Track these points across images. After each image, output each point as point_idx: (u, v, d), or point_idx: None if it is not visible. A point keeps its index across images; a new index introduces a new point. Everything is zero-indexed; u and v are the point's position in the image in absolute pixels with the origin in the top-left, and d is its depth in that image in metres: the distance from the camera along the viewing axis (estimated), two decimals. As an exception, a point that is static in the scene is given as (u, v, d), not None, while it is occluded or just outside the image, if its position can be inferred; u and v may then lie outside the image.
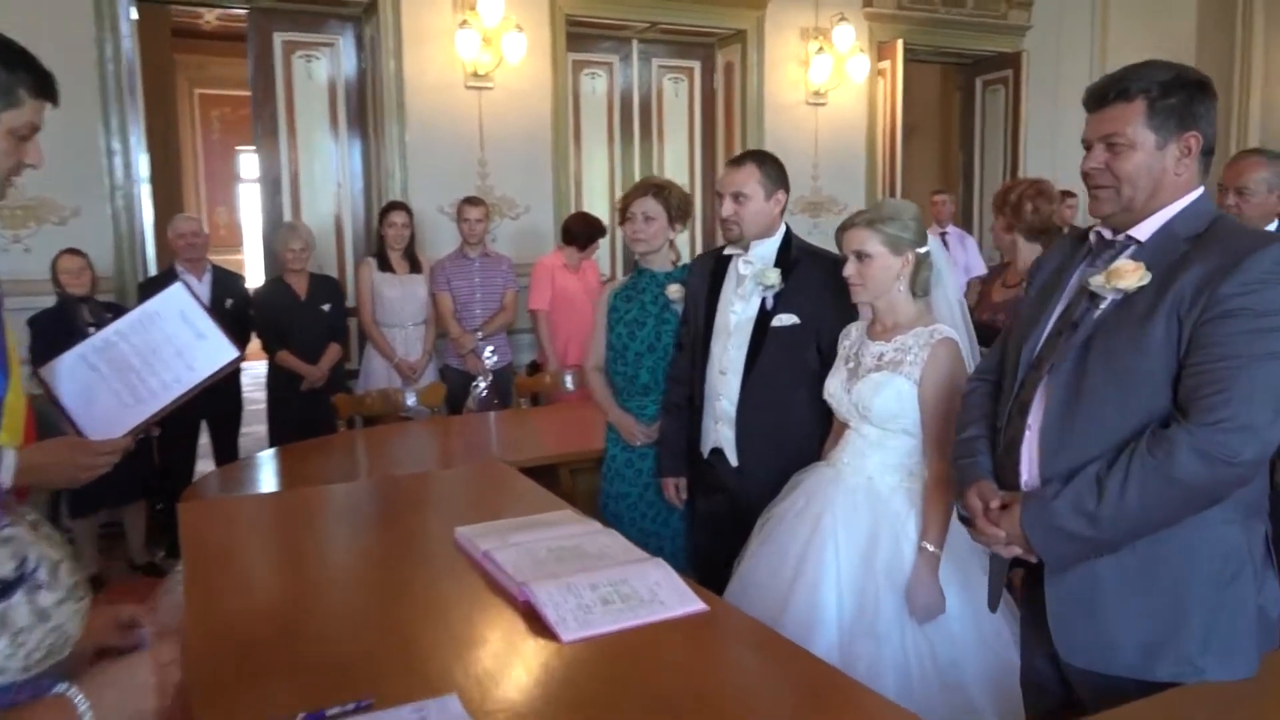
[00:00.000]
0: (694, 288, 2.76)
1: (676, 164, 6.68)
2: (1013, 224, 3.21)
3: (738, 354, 2.58)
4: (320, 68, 5.78)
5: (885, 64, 6.84)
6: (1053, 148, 7.68)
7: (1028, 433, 1.67)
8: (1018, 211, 3.16)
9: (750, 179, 2.53)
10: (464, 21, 5.54)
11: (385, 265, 4.98)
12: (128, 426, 1.66)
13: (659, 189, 2.91)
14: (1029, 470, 1.66)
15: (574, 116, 6.26)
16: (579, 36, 6.16)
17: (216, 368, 1.74)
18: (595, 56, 6.38)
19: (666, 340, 2.90)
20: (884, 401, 2.22)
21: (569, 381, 4.64)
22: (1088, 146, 1.68)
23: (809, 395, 2.52)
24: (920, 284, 2.30)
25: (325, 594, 2.02)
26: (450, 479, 3.01)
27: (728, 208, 2.55)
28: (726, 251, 2.67)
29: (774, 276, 2.54)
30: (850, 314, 2.50)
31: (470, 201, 5.12)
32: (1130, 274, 1.57)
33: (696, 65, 6.70)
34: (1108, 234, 1.70)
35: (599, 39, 6.35)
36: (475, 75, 5.68)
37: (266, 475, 3.32)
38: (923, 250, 2.28)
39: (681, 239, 3.20)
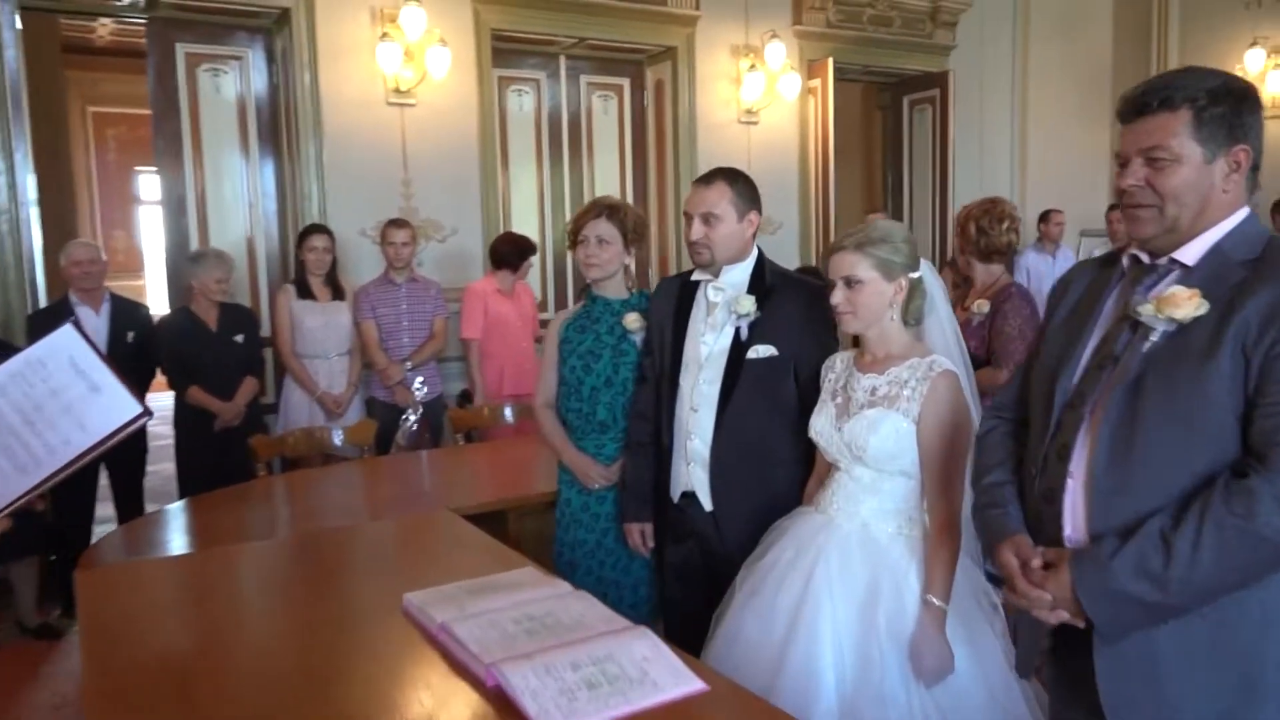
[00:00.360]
0: (658, 316, 2.58)
1: (607, 184, 6.49)
2: (975, 244, 3.10)
3: (710, 389, 2.40)
4: (228, 82, 5.42)
5: (816, 82, 6.79)
6: (979, 167, 7.77)
7: (1070, 481, 1.49)
8: (964, 232, 3.06)
9: (721, 199, 2.37)
10: (385, 34, 5.25)
11: (305, 292, 4.65)
12: (4, 500, 1.36)
13: (613, 210, 2.73)
14: (1074, 524, 1.49)
15: (501, 135, 6.02)
16: (505, 52, 5.93)
17: (114, 427, 1.46)
18: (522, 73, 6.16)
19: (625, 373, 2.71)
20: (880, 441, 2.06)
21: (509, 414, 4.36)
22: (1123, 162, 1.52)
23: (788, 433, 2.37)
24: (913, 312, 2.16)
25: (246, 678, 1.73)
26: (389, 531, 2.72)
27: (697, 230, 2.37)
28: (695, 277, 2.50)
29: (749, 304, 2.37)
30: (831, 344, 2.38)
31: (395, 224, 4.85)
32: (1186, 302, 1.41)
33: (626, 83, 6.53)
34: (1144, 257, 1.54)
35: (525, 55, 6.13)
36: (397, 91, 5.39)
37: (175, 532, 2.97)
38: (915, 275, 2.13)
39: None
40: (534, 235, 5.63)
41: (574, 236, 2.75)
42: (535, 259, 5.29)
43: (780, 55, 6.42)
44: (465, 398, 5.27)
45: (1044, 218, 6.95)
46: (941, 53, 7.46)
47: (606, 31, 6.05)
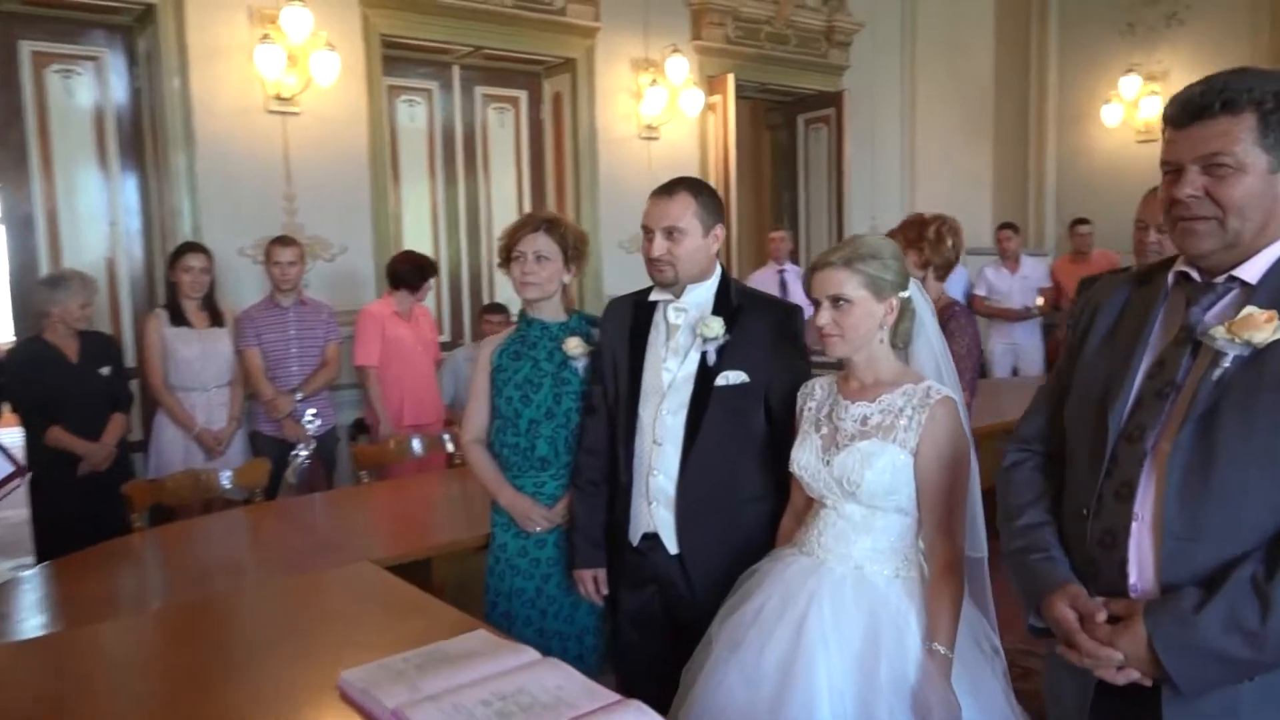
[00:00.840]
0: (609, 341, 2.40)
1: (504, 200, 6.25)
2: (930, 260, 3.01)
3: (674, 420, 2.23)
4: (82, 86, 4.90)
5: (716, 98, 6.72)
6: (872, 185, 7.87)
7: (1135, 524, 1.35)
8: (938, 247, 2.96)
9: (686, 211, 2.20)
10: (265, 36, 4.86)
11: (179, 318, 4.21)
12: None
13: (551, 224, 2.54)
14: (1140, 571, 1.35)
15: (392, 148, 5.69)
16: (395, 60, 5.60)
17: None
18: (413, 82, 5.85)
19: (568, 404, 2.52)
20: (876, 475, 1.91)
21: (417, 447, 4.03)
22: (1174, 169, 1.39)
23: (758, 466, 2.24)
24: (901, 334, 2.03)
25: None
26: (303, 591, 2.38)
27: (659, 246, 2.20)
28: (653, 297, 2.33)
29: (716, 327, 2.20)
30: (803, 369, 2.25)
31: (281, 242, 4.47)
32: (1264, 325, 1.28)
33: (523, 95, 6.30)
34: (1194, 274, 1.42)
35: (417, 63, 5.82)
36: (279, 99, 4.99)
37: (28, 609, 2.52)
38: (905, 295, 1.99)
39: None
40: (428, 253, 5.31)
41: (507, 253, 2.55)
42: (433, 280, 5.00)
43: (682, 70, 6.32)
44: (360, 429, 4.92)
45: (998, 233, 7.07)
46: (836, 72, 7.52)
47: (503, 41, 5.81)
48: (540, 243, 2.50)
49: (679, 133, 6.58)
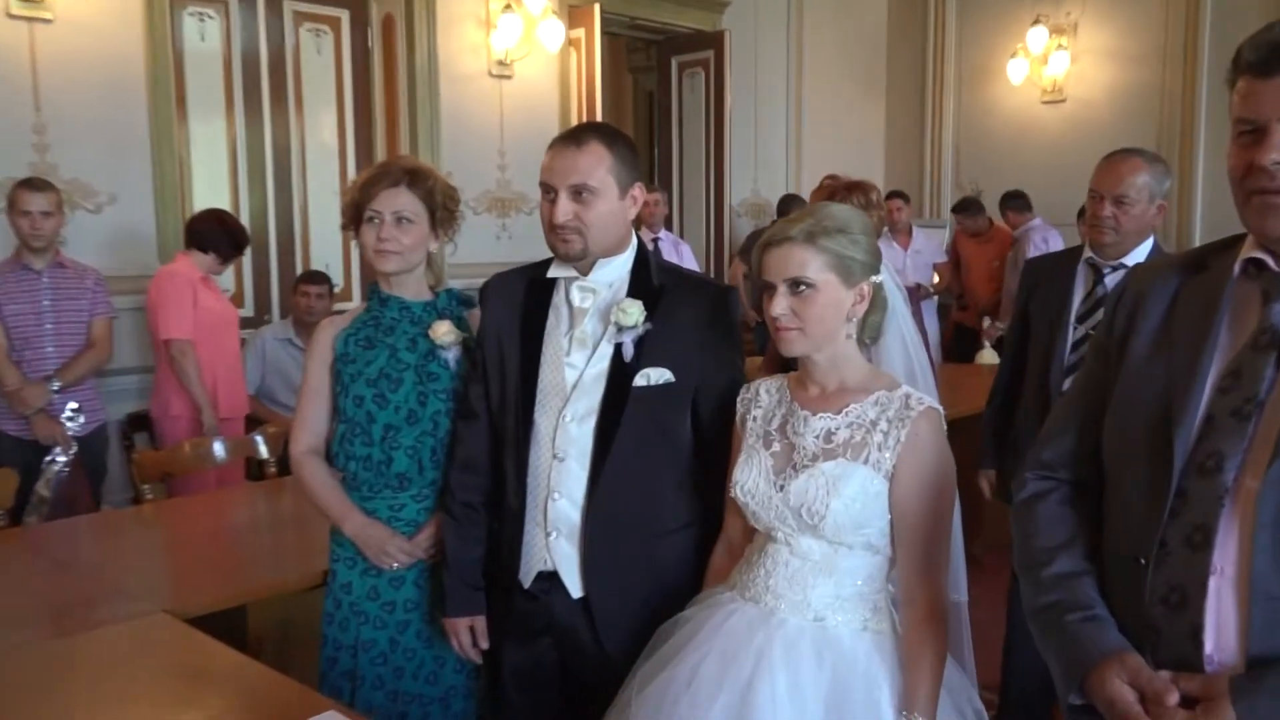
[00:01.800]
0: (494, 327, 2.21)
1: (321, 145, 5.88)
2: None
3: (581, 429, 2.07)
4: None
5: (579, 33, 6.55)
6: (754, 142, 7.86)
7: (1213, 579, 1.24)
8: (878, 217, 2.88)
9: (598, 166, 2.03)
10: (6, -82, 4.32)
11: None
12: None
13: (415, 176, 2.34)
14: (1218, 639, 1.25)
15: (177, 74, 5.20)
16: (179, -38, 5.13)
17: None
18: (204, -7, 5.38)
19: (436, 406, 2.34)
20: (845, 505, 1.78)
21: (220, 451, 3.66)
22: (1255, 130, 1.27)
23: (684, 487, 2.13)
24: (870, 328, 1.92)
25: None
26: (72, 659, 2.06)
27: (564, 209, 2.02)
28: (552, 273, 2.15)
29: (635, 312, 2.04)
30: (740, 366, 2.16)
31: (30, 186, 4.06)
32: (1378, 327, 1.18)
33: (344, 16, 5.92)
34: (1270, 262, 1.31)
35: (209, -31, 5.35)
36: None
37: None
38: (877, 279, 1.90)
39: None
40: (225, 207, 4.95)
41: (356, 212, 2.34)
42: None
43: (541, -4, 6.11)
44: (137, 426, 4.51)
45: (887, 201, 7.11)
46: (715, 9, 7.46)
47: (319, -55, 5.46)
48: (402, 200, 2.32)
49: (536, 70, 6.40)
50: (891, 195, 7.12)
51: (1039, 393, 2.98)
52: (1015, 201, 6.99)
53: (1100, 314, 2.82)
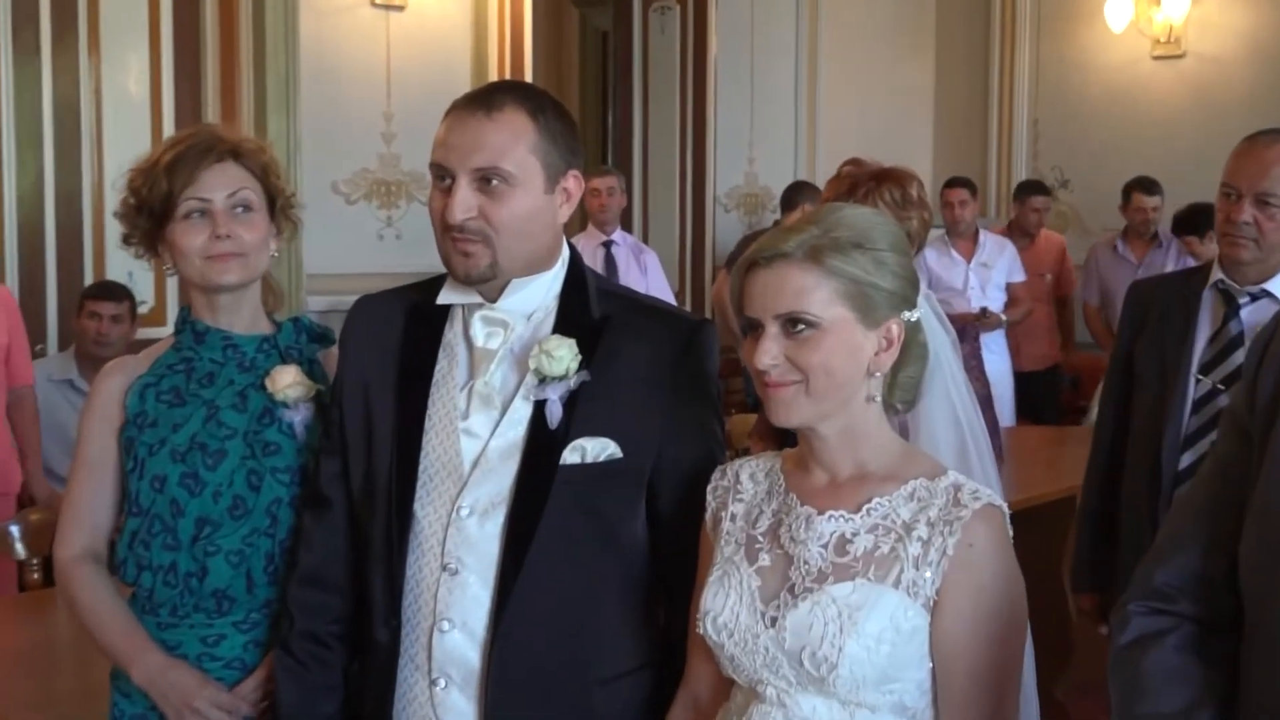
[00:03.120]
0: (359, 375, 2.26)
1: (124, 105, 5.88)
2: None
3: (485, 529, 2.10)
4: None
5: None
6: (750, 110, 7.93)
7: None
8: (921, 217, 2.98)
9: (516, 142, 2.07)
10: None
11: None
12: None
13: (242, 146, 2.46)
14: None
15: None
16: None
17: None
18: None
19: (275, 492, 2.40)
20: (867, 648, 1.79)
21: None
22: None
23: (632, 615, 2.18)
24: (904, 386, 1.95)
25: None
26: None
27: (464, 203, 2.04)
28: (444, 297, 2.19)
29: (565, 357, 2.07)
30: (718, 435, 2.24)
31: None
32: None
33: (161, -84, 5.98)
34: None
35: None
36: None
37: None
38: (913, 316, 1.91)
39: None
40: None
41: (168, 203, 2.37)
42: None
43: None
44: None
45: (943, 193, 7.23)
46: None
47: None
48: (234, 177, 2.39)
49: (438, 2, 6.50)
50: (952, 184, 7.25)
51: (1146, 474, 3.02)
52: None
53: (1233, 361, 2.86)
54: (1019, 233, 7.52)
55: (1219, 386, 2.92)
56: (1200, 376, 2.97)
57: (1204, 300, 3.02)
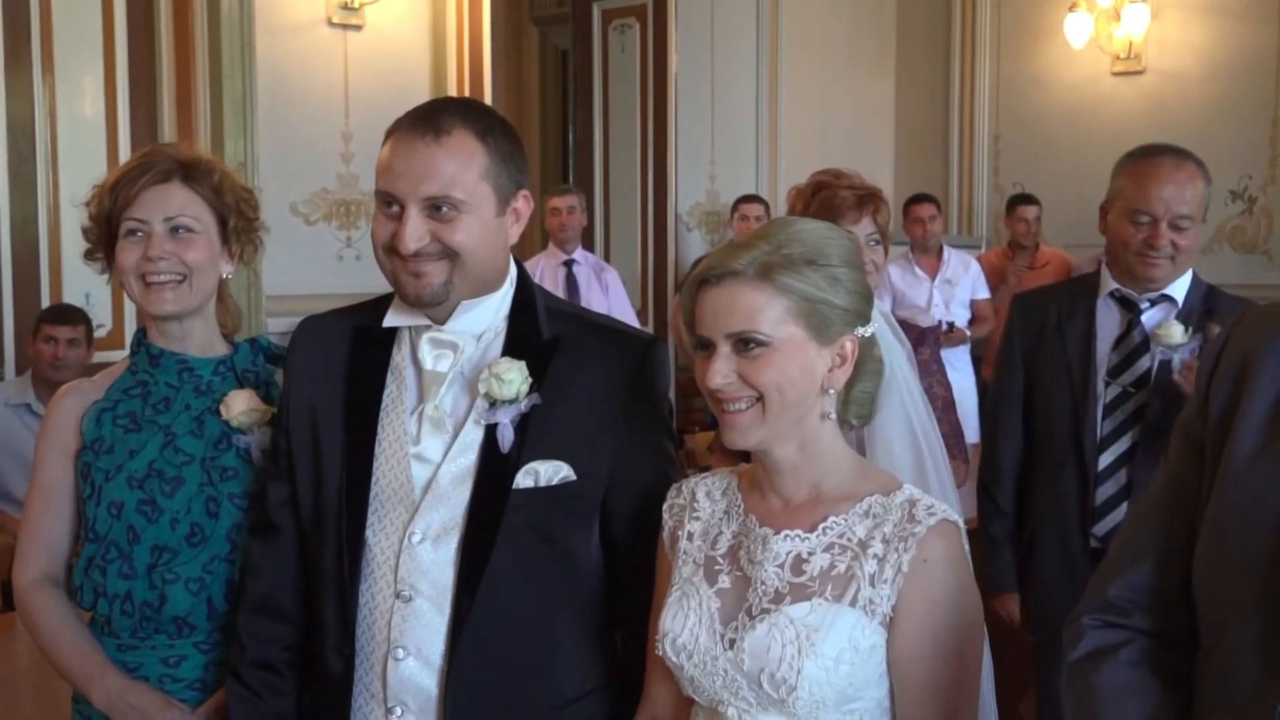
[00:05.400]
0: (306, 397, 2.25)
1: (79, 126, 5.89)
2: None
3: (438, 555, 2.10)
4: None
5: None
6: (710, 126, 7.96)
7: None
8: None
9: (467, 167, 2.06)
10: None
11: None
12: None
13: (194, 169, 2.42)
14: None
15: None
16: None
17: None
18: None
19: (233, 518, 2.41)
20: (825, 668, 1.80)
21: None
22: None
23: (590, 636, 2.19)
24: (857, 402, 1.96)
25: None
26: None
27: (415, 231, 2.04)
28: (391, 319, 2.19)
29: (516, 380, 2.07)
30: (668, 452, 2.26)
31: None
32: None
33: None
34: None
35: None
36: None
37: None
38: (867, 331, 1.92)
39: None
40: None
41: (109, 225, 2.38)
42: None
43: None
44: None
45: (908, 209, 7.28)
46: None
47: None
48: (176, 200, 2.37)
49: (397, 18, 6.61)
50: (918, 199, 7.27)
51: (1075, 475, 3.13)
52: None
53: (1140, 365, 3.04)
54: (1017, 249, 7.51)
55: (1130, 390, 3.05)
56: (1109, 380, 3.09)
57: (1100, 309, 3.15)
